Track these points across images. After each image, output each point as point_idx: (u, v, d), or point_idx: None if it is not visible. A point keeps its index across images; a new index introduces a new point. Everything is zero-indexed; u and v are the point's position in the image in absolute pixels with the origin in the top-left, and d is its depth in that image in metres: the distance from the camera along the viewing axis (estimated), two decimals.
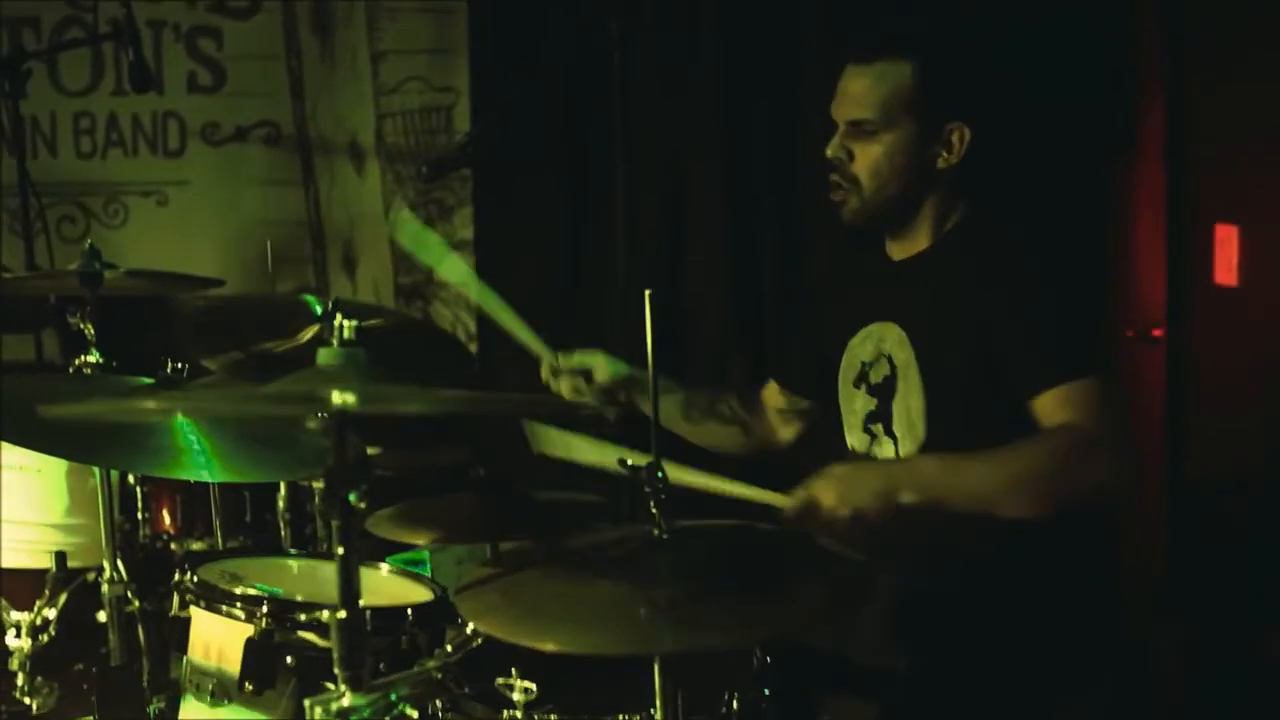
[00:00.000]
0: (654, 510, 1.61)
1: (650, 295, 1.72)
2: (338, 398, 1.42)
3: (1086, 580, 2.25)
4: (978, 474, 2.01)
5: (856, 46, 2.26)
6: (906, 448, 2.23)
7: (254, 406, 1.59)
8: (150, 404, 1.58)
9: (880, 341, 2.28)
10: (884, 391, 2.27)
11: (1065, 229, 3.25)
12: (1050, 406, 2.06)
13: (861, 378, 2.31)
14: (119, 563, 2.38)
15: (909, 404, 2.22)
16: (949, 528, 2.19)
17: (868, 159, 2.23)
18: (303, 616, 2.01)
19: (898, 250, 2.33)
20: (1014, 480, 2.01)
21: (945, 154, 2.23)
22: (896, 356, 2.25)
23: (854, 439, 2.34)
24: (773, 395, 2.59)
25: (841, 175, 2.25)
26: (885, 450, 2.27)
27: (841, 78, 2.27)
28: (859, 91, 2.23)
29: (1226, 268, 3.17)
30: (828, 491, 1.96)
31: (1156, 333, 3.44)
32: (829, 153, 2.27)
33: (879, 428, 2.28)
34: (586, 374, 2.46)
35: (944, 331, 2.19)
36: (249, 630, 2.02)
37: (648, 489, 1.58)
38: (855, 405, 2.33)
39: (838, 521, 1.94)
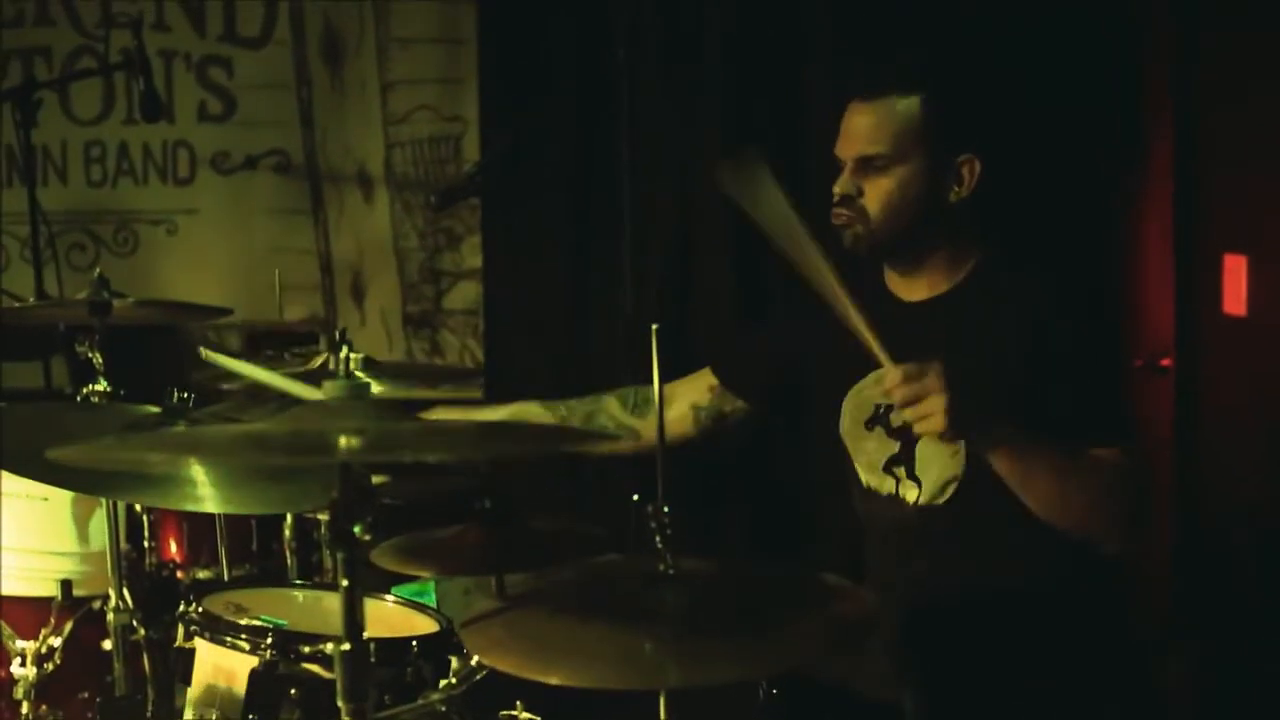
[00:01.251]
0: (659, 544, 1.60)
1: (656, 330, 1.71)
2: (344, 442, 1.41)
3: (1096, 611, 2.22)
4: (1051, 459, 2.04)
5: (860, 83, 2.24)
6: (933, 493, 2.21)
7: (260, 454, 1.59)
8: (155, 456, 1.57)
9: None
10: (906, 435, 2.22)
11: (1081, 265, 3.25)
12: None
13: (877, 419, 2.27)
14: (125, 591, 2.38)
15: (940, 449, 2.18)
16: (957, 559, 2.20)
17: (879, 193, 2.19)
18: (307, 648, 2.01)
19: (907, 289, 2.29)
20: (1076, 483, 2.05)
21: (957, 187, 2.20)
22: None
23: (871, 478, 2.30)
24: (696, 389, 2.49)
25: (850, 209, 2.21)
26: (909, 493, 2.24)
27: (847, 115, 2.23)
28: (867, 128, 2.20)
29: (1235, 297, 3.16)
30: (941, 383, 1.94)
31: (1165, 362, 3.43)
32: (837, 190, 2.22)
33: (901, 470, 2.25)
34: None
35: (979, 376, 2.13)
36: (253, 662, 2.02)
37: (653, 524, 1.57)
38: (869, 446, 2.29)
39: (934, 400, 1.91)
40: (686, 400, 2.49)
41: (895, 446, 2.25)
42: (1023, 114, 3.30)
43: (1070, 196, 3.44)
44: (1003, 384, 2.13)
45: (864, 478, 2.32)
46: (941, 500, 2.20)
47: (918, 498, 2.23)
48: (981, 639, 2.16)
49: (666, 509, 1.56)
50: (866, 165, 2.20)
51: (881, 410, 2.26)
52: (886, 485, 2.27)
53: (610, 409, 2.50)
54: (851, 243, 2.23)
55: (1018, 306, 2.16)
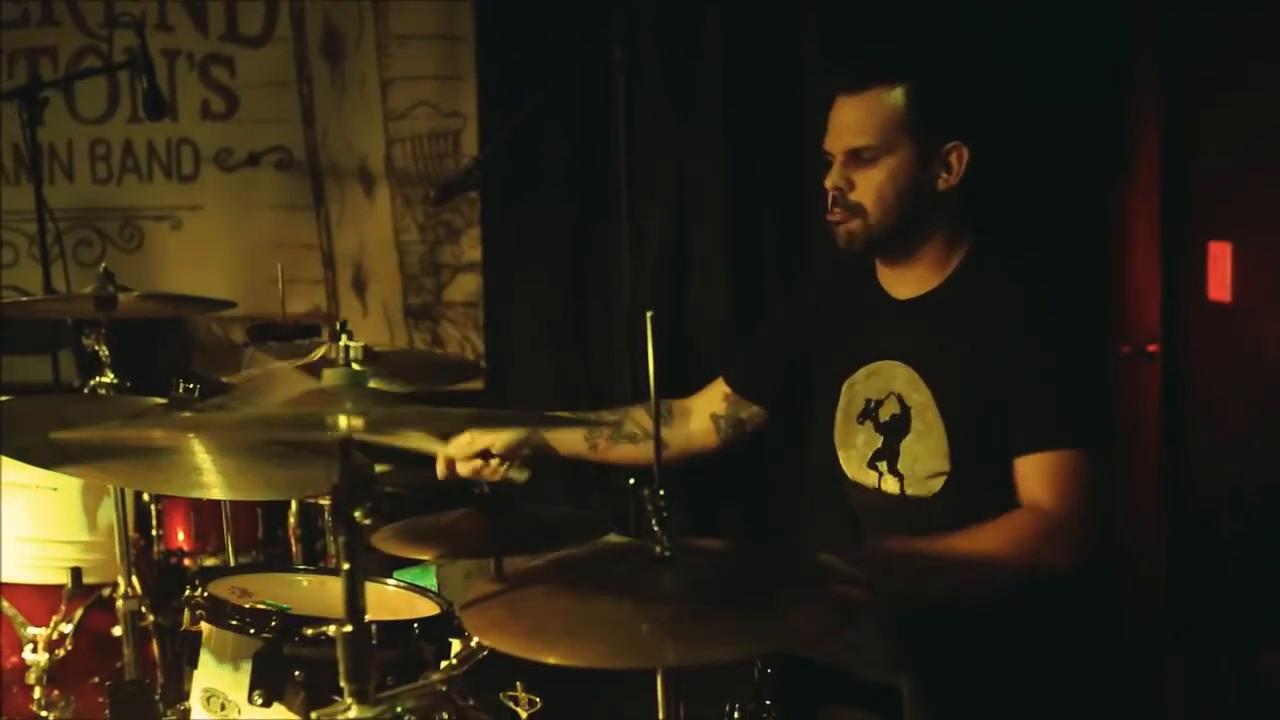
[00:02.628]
0: (656, 527, 1.63)
1: (651, 316, 1.69)
2: (343, 422, 1.46)
3: (1090, 599, 2.21)
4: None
5: (845, 77, 2.23)
6: (914, 486, 2.21)
7: (262, 432, 1.63)
8: (158, 431, 1.62)
9: (889, 380, 2.24)
10: (892, 430, 2.24)
11: (1067, 254, 3.27)
12: (1028, 472, 2.09)
13: (867, 414, 2.27)
14: (133, 578, 2.42)
15: (927, 445, 2.19)
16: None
17: (871, 185, 2.18)
18: (310, 631, 2.02)
19: (899, 286, 2.28)
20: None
21: (945, 174, 2.19)
22: (909, 397, 2.21)
23: (856, 472, 2.31)
24: (713, 399, 2.51)
25: (843, 205, 2.20)
26: (890, 486, 2.24)
27: (833, 110, 2.23)
28: (854, 120, 2.19)
29: (1220, 284, 3.18)
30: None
31: (1152, 348, 3.46)
32: (828, 184, 2.22)
33: (884, 465, 2.25)
34: (484, 454, 2.37)
35: (961, 376, 2.16)
36: (257, 644, 2.05)
37: (649, 507, 1.60)
38: (858, 440, 2.29)
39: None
40: (706, 412, 2.52)
41: (879, 440, 2.25)
42: (1011, 102, 3.34)
43: (1058, 189, 3.48)
44: (987, 379, 2.13)
45: (850, 472, 2.32)
46: (929, 493, 2.20)
47: (901, 491, 2.23)
48: (977, 632, 2.15)
49: (662, 491, 1.58)
50: (856, 158, 2.19)
51: (872, 404, 2.27)
52: (870, 479, 2.28)
53: (637, 417, 2.51)
54: (846, 240, 2.23)
55: (996, 305, 2.15)
